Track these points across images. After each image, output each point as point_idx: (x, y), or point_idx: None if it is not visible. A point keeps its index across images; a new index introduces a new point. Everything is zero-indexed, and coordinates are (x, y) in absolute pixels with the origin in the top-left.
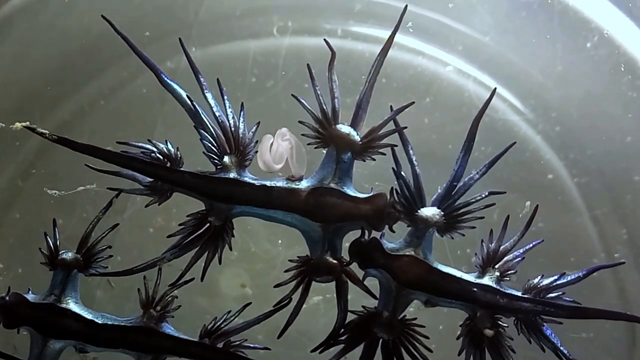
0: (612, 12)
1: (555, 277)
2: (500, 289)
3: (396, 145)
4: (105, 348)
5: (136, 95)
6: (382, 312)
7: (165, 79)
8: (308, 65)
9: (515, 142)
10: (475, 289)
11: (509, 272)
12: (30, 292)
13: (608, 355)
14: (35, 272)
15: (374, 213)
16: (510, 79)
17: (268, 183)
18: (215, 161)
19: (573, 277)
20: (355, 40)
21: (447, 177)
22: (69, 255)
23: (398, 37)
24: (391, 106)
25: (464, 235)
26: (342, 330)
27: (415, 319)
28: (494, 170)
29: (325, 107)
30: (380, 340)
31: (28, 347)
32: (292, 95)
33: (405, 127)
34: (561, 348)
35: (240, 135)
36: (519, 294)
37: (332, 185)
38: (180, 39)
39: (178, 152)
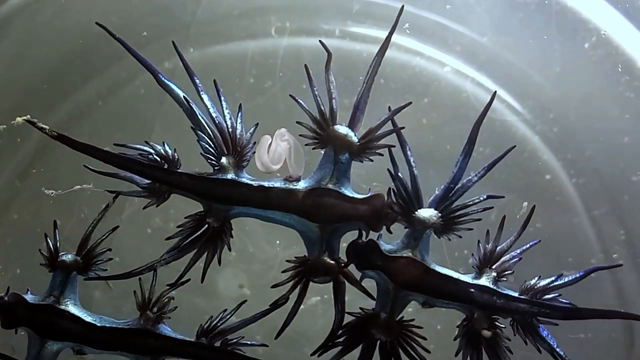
0: (610, 13)
1: (553, 278)
2: (497, 290)
3: (394, 146)
4: (103, 350)
5: (134, 96)
6: (380, 314)
7: (163, 79)
8: (306, 66)
9: (515, 146)
10: (472, 290)
11: (506, 272)
12: (29, 292)
13: (606, 356)
14: (33, 272)
15: (372, 214)
16: (508, 79)
17: (266, 184)
18: (213, 162)
19: (570, 278)
20: (353, 41)
21: (445, 177)
22: (68, 257)
23: (396, 38)
24: (389, 107)
25: (461, 237)
26: (340, 332)
27: (413, 319)
28: (491, 171)
29: (323, 108)
30: (378, 341)
31: (26, 347)
32: (290, 95)
33: (403, 128)
34: (557, 349)
35: (238, 136)
36: (516, 294)
37: (330, 185)
38: (173, 42)
39: (175, 154)
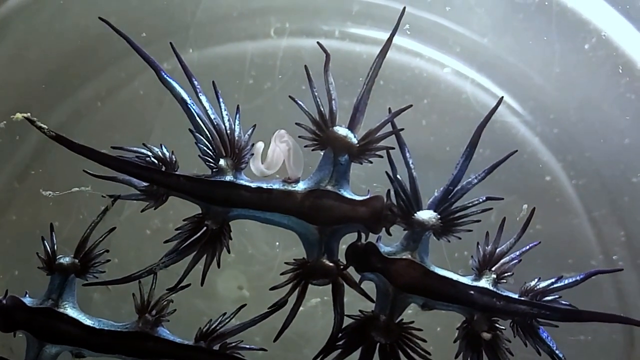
0: (610, 14)
1: (553, 280)
2: (497, 292)
3: (393, 148)
4: (102, 353)
5: (133, 97)
6: (379, 316)
7: (165, 76)
8: (306, 67)
9: (516, 150)
10: (472, 292)
11: (506, 274)
12: (27, 295)
13: (606, 358)
14: (31, 274)
15: (371, 215)
16: (508, 80)
17: (265, 185)
18: (211, 164)
19: (571, 280)
20: (353, 42)
21: (444, 179)
22: (66, 260)
23: (396, 39)
24: (389, 108)
25: (460, 238)
26: (340, 334)
27: (412, 322)
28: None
29: (322, 109)
30: (378, 344)
31: (24, 349)
32: (290, 97)
33: (402, 129)
34: (557, 352)
35: (236, 138)
36: (516, 296)
37: (329, 187)
38: (171, 43)
39: (173, 156)
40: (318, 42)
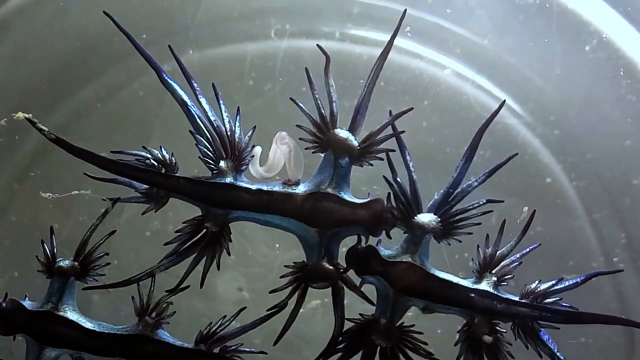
0: (611, 15)
1: (553, 282)
2: (498, 294)
3: (393, 151)
4: (102, 356)
5: (133, 98)
6: (380, 319)
7: (166, 77)
8: (306, 69)
9: (517, 154)
10: (472, 295)
11: (507, 276)
12: (27, 298)
13: None
14: (31, 275)
15: (371, 218)
16: (508, 82)
17: (265, 187)
18: (211, 166)
19: (571, 282)
20: (353, 43)
21: (444, 180)
22: (66, 263)
23: (396, 40)
24: (390, 111)
25: (460, 241)
26: (340, 338)
27: (413, 325)
28: None
29: (323, 111)
30: (379, 347)
31: (24, 352)
32: (291, 98)
33: (403, 132)
34: (558, 354)
35: (237, 140)
36: (517, 298)
37: (329, 190)
38: (170, 46)
39: (173, 158)
40: (318, 45)
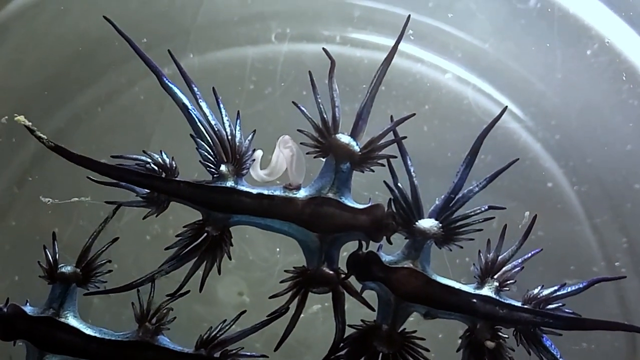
0: (612, 20)
1: (556, 287)
2: (500, 300)
3: (395, 157)
4: None
5: (133, 102)
6: (382, 326)
7: (166, 81)
8: (310, 72)
9: (517, 159)
10: (474, 300)
11: (508, 282)
12: (28, 304)
13: None
14: (31, 279)
15: (372, 224)
16: (509, 86)
17: (265, 192)
18: (212, 170)
19: (573, 288)
20: (354, 47)
21: (446, 185)
22: (68, 269)
23: None
24: (391, 116)
25: (462, 247)
26: (341, 344)
27: (415, 331)
28: None
29: (325, 116)
30: (380, 354)
31: (24, 357)
32: (293, 102)
33: (405, 137)
34: (560, 359)
35: (237, 144)
36: (519, 304)
37: (330, 195)
38: (169, 50)
39: (173, 162)
40: (324, 49)
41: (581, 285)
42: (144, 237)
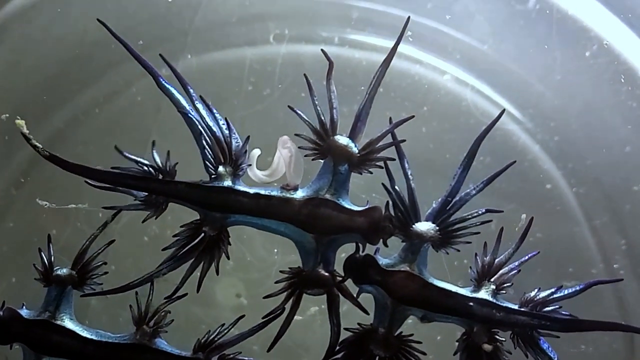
0: (611, 21)
1: (553, 290)
2: (497, 303)
3: (393, 159)
4: None
5: (131, 103)
6: (378, 329)
7: (163, 82)
8: (305, 75)
9: (514, 161)
10: (471, 304)
11: (505, 285)
12: (24, 307)
13: None
14: (29, 281)
15: (369, 226)
16: (508, 87)
17: (262, 192)
18: (211, 171)
19: (571, 290)
20: (352, 48)
21: (444, 186)
22: (63, 271)
23: None
24: (390, 118)
25: (459, 250)
26: (338, 348)
27: (412, 335)
28: None
29: (323, 118)
30: (377, 357)
31: (20, 358)
32: (289, 107)
33: (404, 141)
34: None
35: (234, 146)
36: (516, 307)
37: (328, 196)
38: (161, 55)
39: (169, 162)
40: (322, 50)
41: (578, 288)
42: (142, 238)
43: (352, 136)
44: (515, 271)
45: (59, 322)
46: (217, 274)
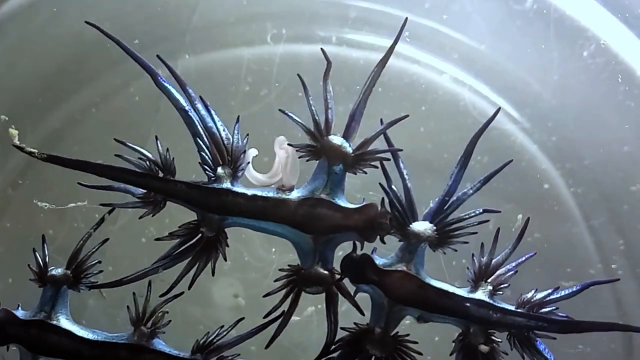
0: (609, 21)
1: (550, 291)
2: (493, 304)
3: (388, 159)
4: None
5: (129, 103)
6: (374, 329)
7: (162, 81)
8: (299, 75)
9: (511, 160)
10: (468, 304)
11: (502, 285)
12: (20, 308)
13: None
14: (25, 282)
15: (365, 223)
16: (506, 87)
17: (259, 193)
18: (209, 172)
19: (568, 291)
20: (350, 48)
21: (442, 186)
22: (58, 271)
23: None
24: (381, 120)
25: (456, 250)
26: (334, 347)
27: (408, 335)
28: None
29: (317, 119)
30: (373, 357)
31: (17, 359)
32: (280, 110)
33: (401, 150)
34: None
35: (233, 147)
36: (513, 308)
37: (323, 196)
38: (158, 55)
39: (168, 156)
40: (322, 49)
41: (575, 289)
42: (140, 239)
43: (346, 136)
44: (512, 272)
45: (54, 322)
46: (213, 274)
